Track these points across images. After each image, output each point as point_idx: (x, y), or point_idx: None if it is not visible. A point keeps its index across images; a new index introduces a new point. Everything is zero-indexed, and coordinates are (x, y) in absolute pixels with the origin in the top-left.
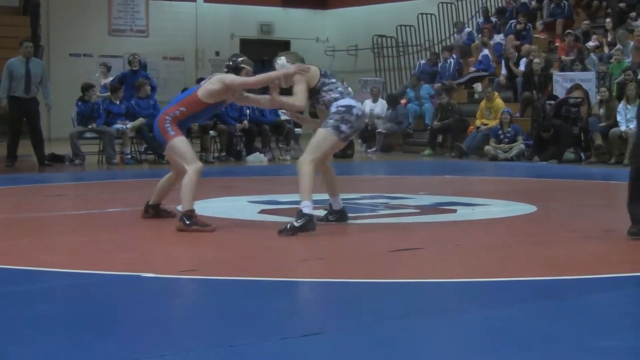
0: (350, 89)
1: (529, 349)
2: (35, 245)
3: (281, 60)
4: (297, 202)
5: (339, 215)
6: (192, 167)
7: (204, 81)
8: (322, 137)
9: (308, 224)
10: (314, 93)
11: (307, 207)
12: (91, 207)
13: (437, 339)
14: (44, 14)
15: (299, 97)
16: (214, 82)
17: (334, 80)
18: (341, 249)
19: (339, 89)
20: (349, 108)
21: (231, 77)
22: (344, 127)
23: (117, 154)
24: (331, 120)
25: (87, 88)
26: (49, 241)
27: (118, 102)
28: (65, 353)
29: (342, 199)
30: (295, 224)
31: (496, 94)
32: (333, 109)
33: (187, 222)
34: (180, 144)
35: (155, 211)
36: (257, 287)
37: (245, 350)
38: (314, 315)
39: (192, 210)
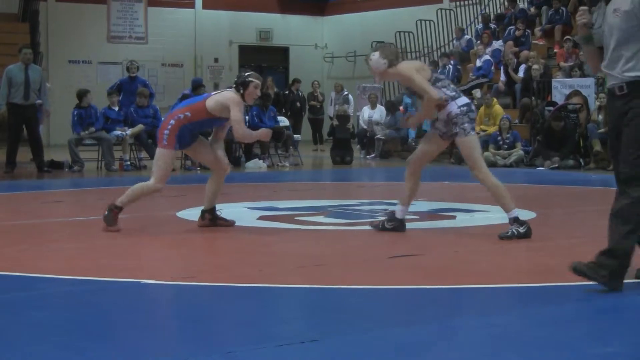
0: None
1: (526, 355)
2: (33, 251)
3: (375, 57)
4: (296, 209)
5: (397, 224)
6: (155, 184)
7: (215, 92)
8: (474, 144)
9: (529, 231)
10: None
11: (514, 212)
12: (89, 214)
13: (435, 345)
14: (43, 20)
15: (428, 90)
16: (225, 97)
17: (442, 77)
18: (339, 255)
19: (452, 85)
20: (469, 106)
21: (235, 112)
22: (470, 126)
23: (116, 160)
24: (466, 125)
25: (83, 94)
26: (46, 248)
27: (116, 109)
28: (63, 359)
29: (341, 205)
30: (521, 230)
31: (495, 100)
32: (455, 109)
33: (107, 212)
34: (164, 157)
35: (212, 216)
36: (254, 293)
37: (242, 356)
38: (312, 322)
39: (120, 208)
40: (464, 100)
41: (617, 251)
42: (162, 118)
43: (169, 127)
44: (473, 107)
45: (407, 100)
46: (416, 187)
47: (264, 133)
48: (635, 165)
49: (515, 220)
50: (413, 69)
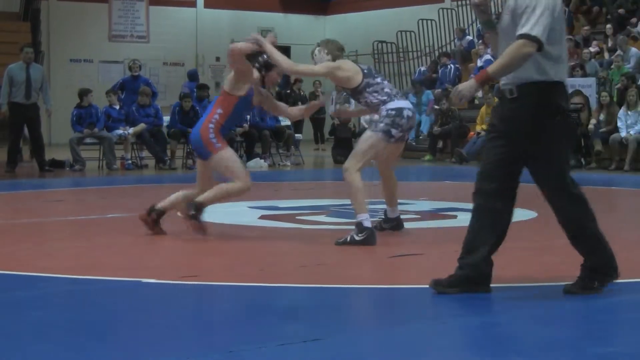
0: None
1: (526, 355)
2: (34, 250)
3: (318, 54)
4: (297, 208)
5: (394, 224)
6: (242, 185)
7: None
8: (372, 143)
9: (370, 238)
10: (354, 92)
11: (366, 220)
12: (91, 213)
13: (435, 345)
14: (45, 19)
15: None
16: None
17: (379, 80)
18: (340, 255)
19: (386, 89)
20: (399, 111)
21: (233, 49)
22: (394, 132)
23: (118, 159)
24: (381, 124)
25: (84, 93)
26: (48, 247)
27: (118, 107)
28: (64, 359)
29: (342, 205)
30: (356, 237)
31: (496, 99)
32: (383, 112)
33: (192, 212)
34: (229, 157)
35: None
36: (256, 292)
37: (244, 356)
38: (314, 321)
39: (203, 207)
40: (396, 104)
41: None
42: (196, 131)
43: (211, 131)
44: (405, 114)
45: (412, 99)
46: (392, 186)
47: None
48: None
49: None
50: (328, 67)
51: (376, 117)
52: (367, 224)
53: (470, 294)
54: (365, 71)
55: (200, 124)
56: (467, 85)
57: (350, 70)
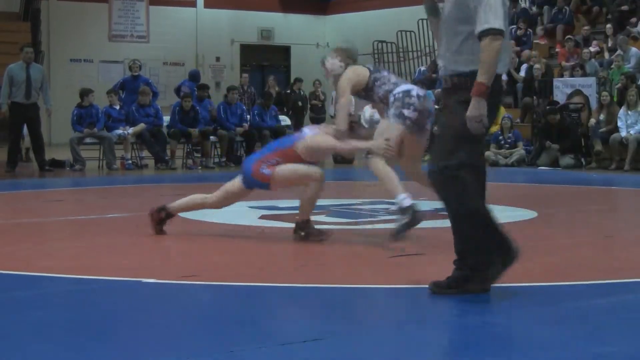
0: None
1: (526, 355)
2: (34, 250)
3: (331, 60)
4: (297, 208)
5: (413, 215)
6: (314, 176)
7: (305, 132)
8: (385, 129)
9: (416, 215)
10: (366, 91)
11: (405, 200)
12: (91, 213)
13: (436, 345)
14: (45, 19)
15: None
16: (313, 141)
17: (385, 74)
18: (341, 255)
19: (392, 80)
20: (406, 92)
21: (324, 140)
22: (407, 112)
23: (118, 159)
24: (391, 110)
25: (85, 93)
26: (48, 247)
27: (118, 107)
28: (64, 359)
29: (342, 205)
30: (404, 221)
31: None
32: (391, 99)
33: (302, 234)
34: (285, 167)
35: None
36: (257, 292)
37: (245, 355)
38: (314, 321)
39: (308, 220)
40: (401, 88)
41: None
42: (247, 170)
43: (264, 167)
44: (413, 93)
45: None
46: (422, 179)
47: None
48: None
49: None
50: (346, 87)
51: (376, 116)
52: (407, 202)
53: (471, 294)
54: (371, 69)
55: (251, 162)
56: (476, 107)
57: (360, 74)
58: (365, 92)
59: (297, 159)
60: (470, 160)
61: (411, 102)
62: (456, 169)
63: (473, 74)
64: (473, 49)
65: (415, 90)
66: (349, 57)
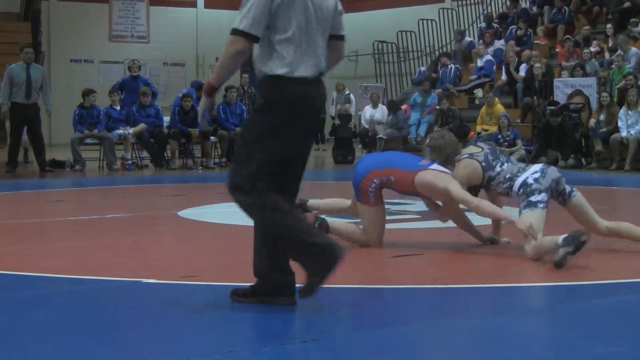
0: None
1: (526, 355)
2: (35, 250)
3: (428, 153)
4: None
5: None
6: (368, 239)
7: (428, 163)
8: (532, 219)
9: (579, 240)
10: (481, 187)
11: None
12: (91, 213)
13: (436, 345)
14: (45, 19)
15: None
16: (441, 179)
17: (498, 169)
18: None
19: (507, 175)
20: (522, 185)
21: (458, 190)
22: (534, 198)
23: (118, 159)
24: (521, 205)
25: (87, 93)
26: (49, 247)
27: (118, 108)
28: (64, 359)
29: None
30: (569, 249)
31: (497, 99)
32: (515, 196)
33: (318, 224)
34: (374, 215)
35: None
36: None
37: (245, 356)
38: (314, 321)
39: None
40: (519, 183)
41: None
42: (359, 175)
43: (374, 185)
44: (530, 181)
45: (418, 99)
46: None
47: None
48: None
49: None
50: (457, 184)
51: (377, 116)
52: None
53: (471, 293)
54: (484, 164)
55: (366, 170)
56: (200, 104)
57: (471, 176)
58: (479, 187)
59: (410, 187)
60: (261, 169)
61: (533, 189)
62: (248, 183)
63: (265, 77)
64: (264, 52)
65: (530, 177)
66: (454, 151)
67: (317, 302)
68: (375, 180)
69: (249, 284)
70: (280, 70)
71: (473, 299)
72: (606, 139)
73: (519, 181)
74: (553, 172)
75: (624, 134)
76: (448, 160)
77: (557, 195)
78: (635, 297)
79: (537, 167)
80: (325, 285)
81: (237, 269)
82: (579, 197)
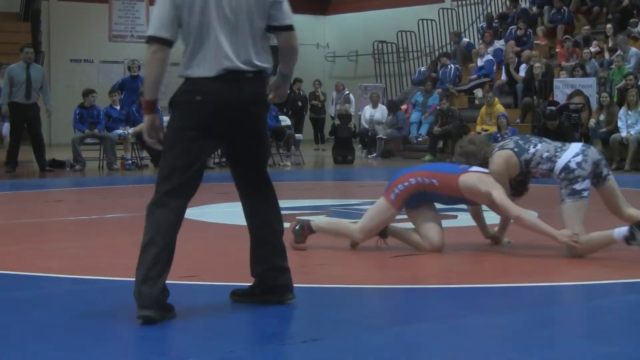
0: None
1: (527, 355)
2: (35, 250)
3: (462, 161)
4: (297, 208)
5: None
6: (356, 233)
7: (468, 166)
8: (572, 211)
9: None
10: (523, 175)
11: (619, 232)
12: (91, 213)
13: (437, 345)
14: (45, 19)
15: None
16: (484, 183)
17: (532, 150)
18: (341, 255)
19: (545, 154)
20: (566, 168)
21: (500, 196)
22: (578, 185)
23: (118, 159)
24: (563, 192)
25: (87, 93)
26: (49, 247)
27: (118, 108)
28: (64, 359)
29: (343, 205)
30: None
31: (497, 99)
32: (557, 180)
33: (297, 227)
34: (384, 212)
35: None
36: None
37: (245, 356)
38: (314, 321)
39: (312, 232)
40: (560, 164)
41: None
42: (396, 174)
43: (406, 184)
44: (574, 165)
45: (420, 99)
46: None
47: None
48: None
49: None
50: (497, 185)
51: (377, 116)
52: (623, 232)
53: (471, 293)
54: (516, 150)
55: (406, 171)
56: (144, 120)
57: (506, 160)
58: (521, 176)
59: (455, 190)
60: (163, 172)
61: (577, 175)
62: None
63: (185, 79)
64: (186, 55)
65: (572, 160)
66: (485, 154)
67: (317, 302)
68: (410, 180)
69: (248, 284)
70: (181, 71)
71: (473, 299)
72: (606, 139)
73: (560, 163)
74: (594, 154)
75: (623, 134)
76: (485, 161)
77: (593, 177)
78: (635, 297)
79: (577, 147)
80: (325, 286)
81: (237, 269)
82: (612, 180)
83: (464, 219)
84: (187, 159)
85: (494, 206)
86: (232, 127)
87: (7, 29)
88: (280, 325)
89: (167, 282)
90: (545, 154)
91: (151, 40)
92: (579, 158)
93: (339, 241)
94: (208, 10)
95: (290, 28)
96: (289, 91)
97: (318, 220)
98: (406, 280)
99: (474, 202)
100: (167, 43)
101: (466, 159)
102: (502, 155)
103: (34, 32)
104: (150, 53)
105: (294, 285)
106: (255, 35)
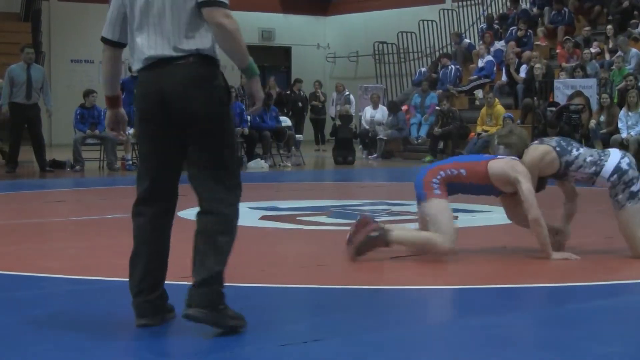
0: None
1: (526, 355)
2: (35, 251)
3: (501, 151)
4: (298, 209)
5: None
6: (443, 241)
7: (499, 155)
8: (635, 214)
9: None
10: (559, 177)
11: None
12: (92, 213)
13: (436, 346)
14: (45, 20)
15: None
16: (513, 170)
17: (575, 153)
18: (341, 256)
19: (589, 158)
20: (618, 169)
21: (529, 189)
22: (635, 187)
23: (119, 159)
24: (620, 197)
25: (87, 94)
26: (49, 247)
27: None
28: (64, 359)
29: (343, 205)
30: None
31: (497, 100)
32: (607, 184)
33: (375, 234)
34: (439, 205)
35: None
36: (256, 293)
37: (245, 356)
38: (314, 322)
39: (388, 244)
40: (609, 168)
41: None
42: (422, 171)
43: (439, 177)
44: (625, 166)
45: (417, 99)
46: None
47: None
48: None
49: None
50: (529, 176)
51: (377, 117)
52: None
53: (471, 293)
54: (558, 149)
55: (430, 167)
56: (107, 115)
57: (543, 155)
58: (555, 176)
59: (484, 178)
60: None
61: (631, 177)
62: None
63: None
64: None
65: (622, 162)
66: (524, 144)
67: (317, 302)
68: (441, 173)
69: (248, 284)
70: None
71: (473, 299)
72: (606, 140)
73: (609, 166)
74: (632, 158)
75: (624, 135)
76: (522, 154)
77: None
78: (635, 297)
79: (618, 151)
80: (325, 286)
81: (237, 270)
82: None
83: (464, 220)
84: (152, 154)
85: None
86: (175, 116)
87: (8, 29)
88: (281, 325)
89: (166, 282)
90: (589, 158)
91: (102, 41)
92: (627, 160)
93: (341, 241)
94: (135, 3)
95: (208, 3)
96: (262, 95)
97: (398, 231)
98: (406, 281)
99: (503, 190)
100: (109, 42)
101: (504, 150)
102: (540, 149)
103: (35, 32)
104: (104, 55)
105: (294, 285)
106: (183, 17)
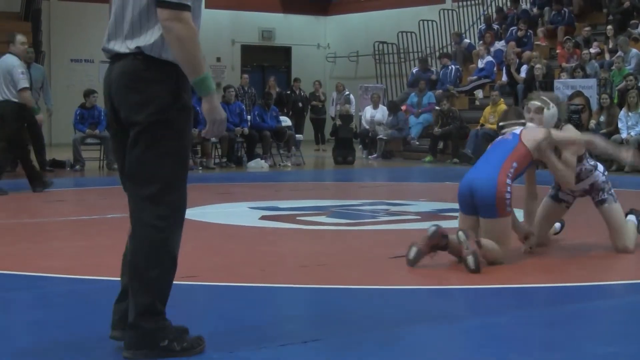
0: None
1: (527, 355)
2: (35, 250)
3: (552, 110)
4: (298, 209)
5: None
6: (504, 257)
7: (519, 128)
8: (618, 214)
9: None
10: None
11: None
12: (92, 213)
13: (436, 346)
14: (45, 19)
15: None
16: (539, 131)
17: (591, 163)
18: (341, 255)
19: (591, 162)
20: (605, 172)
21: (559, 133)
22: (612, 191)
23: None
24: (612, 191)
25: (88, 94)
26: (49, 247)
27: None
28: (64, 359)
29: (343, 205)
30: None
31: (502, 99)
32: (600, 177)
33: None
34: (509, 226)
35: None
36: (257, 293)
37: (245, 356)
38: (314, 322)
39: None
40: (602, 166)
41: None
42: (490, 186)
43: (509, 189)
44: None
45: (414, 99)
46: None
47: None
48: None
49: None
50: (580, 140)
51: (378, 116)
52: None
53: (471, 293)
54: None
55: (495, 174)
56: None
57: (579, 135)
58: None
59: (528, 154)
60: None
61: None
62: None
63: None
64: None
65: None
66: (559, 107)
67: (317, 302)
68: (508, 182)
69: (245, 284)
70: None
71: (473, 299)
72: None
73: (600, 166)
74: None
75: (624, 135)
76: (556, 117)
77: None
78: (635, 297)
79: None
80: (325, 286)
81: (237, 269)
82: None
83: None
84: (114, 153)
85: (548, 156)
86: (119, 117)
87: (8, 28)
88: (280, 325)
89: None
90: (591, 160)
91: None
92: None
93: (341, 241)
94: None
95: (161, 3)
96: (217, 116)
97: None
98: (405, 281)
99: (538, 157)
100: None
101: (546, 102)
102: (573, 129)
103: (35, 32)
104: None
105: (294, 285)
106: (137, 13)
